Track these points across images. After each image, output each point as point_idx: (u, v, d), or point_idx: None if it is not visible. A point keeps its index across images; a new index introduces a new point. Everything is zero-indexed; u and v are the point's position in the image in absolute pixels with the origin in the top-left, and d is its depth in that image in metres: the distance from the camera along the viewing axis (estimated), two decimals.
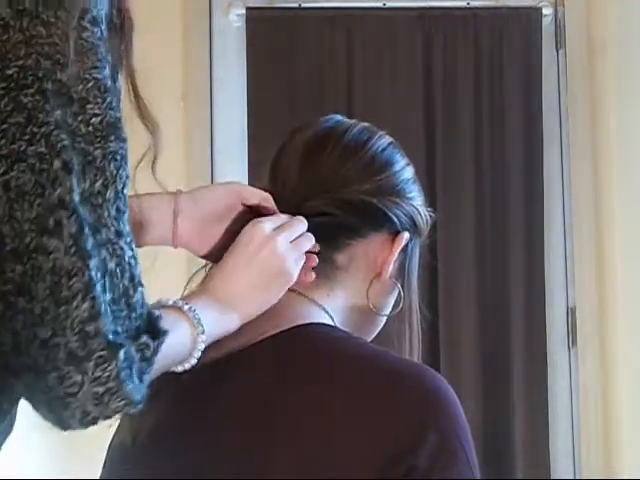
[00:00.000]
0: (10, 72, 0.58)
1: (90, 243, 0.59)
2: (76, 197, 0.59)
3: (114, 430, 0.91)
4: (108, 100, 0.62)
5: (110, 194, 0.61)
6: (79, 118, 0.60)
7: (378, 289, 0.90)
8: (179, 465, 0.80)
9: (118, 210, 0.62)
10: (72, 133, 0.59)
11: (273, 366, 0.80)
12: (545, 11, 2.64)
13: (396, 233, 0.90)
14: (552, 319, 2.61)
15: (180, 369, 0.76)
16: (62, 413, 0.60)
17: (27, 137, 0.58)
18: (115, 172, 0.62)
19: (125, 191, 0.63)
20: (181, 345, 0.73)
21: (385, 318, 0.94)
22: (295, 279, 0.84)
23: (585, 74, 2.61)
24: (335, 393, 0.76)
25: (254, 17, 2.59)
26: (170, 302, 0.75)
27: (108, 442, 0.91)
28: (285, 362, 0.80)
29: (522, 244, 2.58)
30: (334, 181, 0.88)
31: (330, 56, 2.59)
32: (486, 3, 2.70)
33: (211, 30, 2.58)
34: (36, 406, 0.62)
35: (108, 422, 0.64)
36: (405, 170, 0.93)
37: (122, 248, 0.62)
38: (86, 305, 0.58)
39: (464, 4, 2.65)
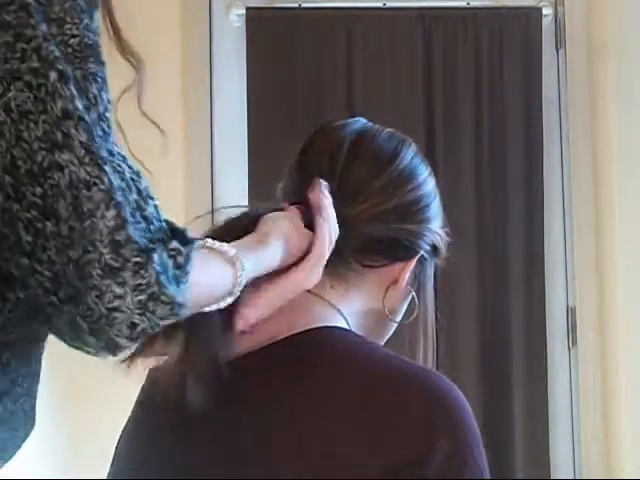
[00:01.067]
0: None
1: (103, 151, 0.58)
2: (79, 104, 0.57)
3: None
4: (85, 22, 0.61)
5: (93, 115, 0.60)
6: (57, 39, 0.59)
7: (393, 296, 0.91)
8: (187, 465, 0.80)
9: (103, 131, 0.60)
10: (66, 49, 0.59)
11: (287, 368, 0.80)
12: (545, 11, 2.64)
13: None
14: (552, 319, 2.61)
15: (222, 304, 0.72)
16: (108, 332, 0.58)
17: (18, 55, 0.56)
18: (97, 94, 0.60)
19: (107, 115, 0.62)
20: (219, 275, 0.70)
21: (396, 324, 0.94)
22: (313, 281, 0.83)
23: (585, 74, 2.61)
24: (347, 397, 0.75)
25: (254, 17, 2.59)
26: (203, 242, 0.71)
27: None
28: (298, 365, 0.80)
29: (522, 244, 2.58)
30: (363, 192, 0.87)
31: (330, 56, 2.59)
32: (486, 3, 2.70)
33: (211, 30, 2.58)
34: (81, 339, 0.60)
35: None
36: (428, 182, 0.95)
37: (119, 164, 0.60)
38: (111, 213, 0.57)
39: (464, 4, 2.65)
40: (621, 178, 2.49)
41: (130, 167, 0.62)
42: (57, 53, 0.57)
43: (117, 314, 0.58)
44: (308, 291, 0.86)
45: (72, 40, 0.59)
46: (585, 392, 2.57)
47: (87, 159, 0.57)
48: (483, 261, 2.57)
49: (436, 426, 0.74)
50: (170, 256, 0.60)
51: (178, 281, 0.60)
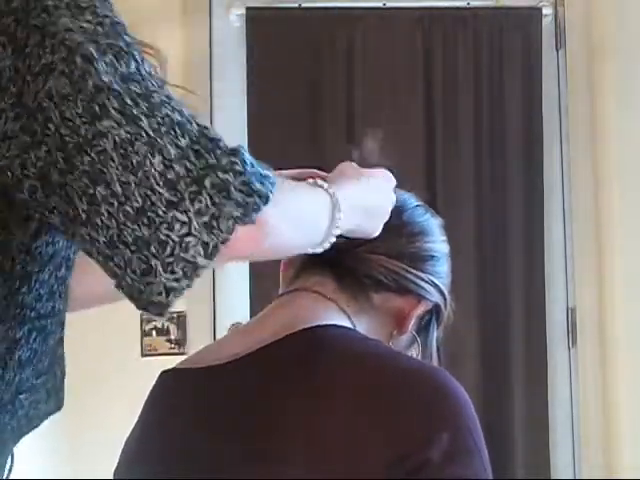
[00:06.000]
0: (14, 5, 0.66)
1: (137, 110, 0.65)
2: (106, 78, 0.64)
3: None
4: (109, 6, 0.69)
5: (143, 71, 0.67)
6: (94, 21, 0.67)
7: (399, 338, 0.95)
8: (192, 463, 0.80)
9: (157, 84, 0.68)
10: (94, 33, 0.66)
11: (292, 365, 0.81)
12: (545, 11, 2.64)
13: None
14: (552, 319, 2.61)
15: (314, 250, 0.81)
16: (185, 257, 0.64)
17: (48, 49, 0.64)
18: (141, 59, 0.68)
19: (153, 72, 0.69)
20: (317, 211, 0.79)
21: None
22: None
23: (585, 74, 2.61)
24: (351, 392, 0.77)
25: (254, 17, 2.59)
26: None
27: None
28: (303, 361, 0.81)
29: (522, 244, 2.58)
30: (389, 235, 0.92)
31: (330, 56, 2.59)
32: (486, 3, 2.70)
33: (211, 30, 2.58)
34: (153, 285, 0.64)
35: None
36: (443, 245, 0.99)
37: (179, 104, 0.68)
38: (157, 158, 0.64)
39: (464, 4, 2.65)
40: (621, 178, 2.49)
41: (188, 111, 0.69)
42: (79, 39, 0.65)
43: (190, 238, 0.64)
44: (327, 297, 0.90)
45: (106, 20, 0.67)
46: (585, 392, 2.57)
47: (124, 121, 0.64)
48: (483, 261, 2.57)
49: (439, 419, 0.75)
50: (226, 171, 0.66)
51: (249, 182, 0.66)
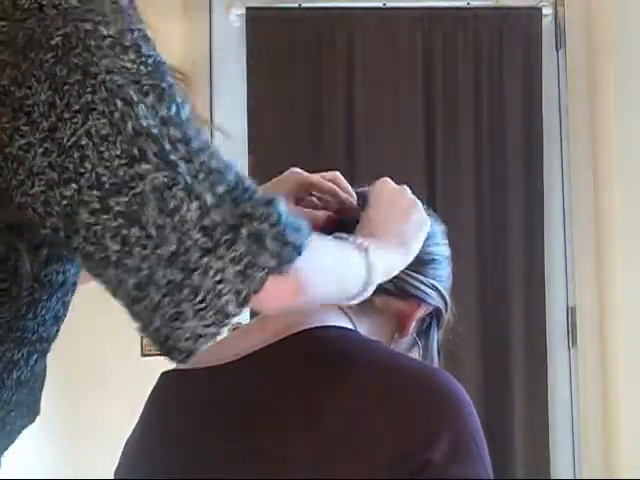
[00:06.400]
0: (54, 42, 0.64)
1: (176, 154, 0.65)
2: (144, 122, 0.65)
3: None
4: (152, 46, 0.70)
5: (183, 115, 0.68)
6: (138, 61, 0.67)
7: (398, 341, 0.96)
8: (193, 463, 0.80)
9: (196, 129, 0.69)
10: (136, 73, 0.66)
11: (293, 365, 0.82)
12: (545, 11, 2.64)
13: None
14: (552, 319, 2.61)
15: (348, 302, 0.81)
16: (216, 304, 0.64)
17: (89, 89, 0.64)
18: (181, 102, 0.68)
19: (191, 116, 0.70)
20: (350, 267, 0.78)
21: None
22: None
23: (585, 74, 2.61)
24: (352, 393, 0.77)
25: (254, 17, 2.60)
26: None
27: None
28: (304, 362, 0.81)
29: (522, 244, 2.58)
30: None
31: (330, 56, 2.59)
32: (486, 3, 2.70)
33: (211, 30, 2.58)
34: (184, 325, 0.64)
35: None
36: (445, 250, 0.99)
37: (216, 150, 0.68)
38: (194, 204, 0.63)
39: (464, 4, 2.65)
40: (621, 178, 2.49)
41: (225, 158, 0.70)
42: (120, 81, 0.65)
43: (223, 285, 0.64)
44: None
45: (149, 60, 0.68)
46: (585, 392, 2.57)
47: (162, 166, 0.64)
48: (483, 261, 2.57)
49: (440, 420, 0.76)
50: (262, 221, 0.66)
51: (282, 236, 0.66)
